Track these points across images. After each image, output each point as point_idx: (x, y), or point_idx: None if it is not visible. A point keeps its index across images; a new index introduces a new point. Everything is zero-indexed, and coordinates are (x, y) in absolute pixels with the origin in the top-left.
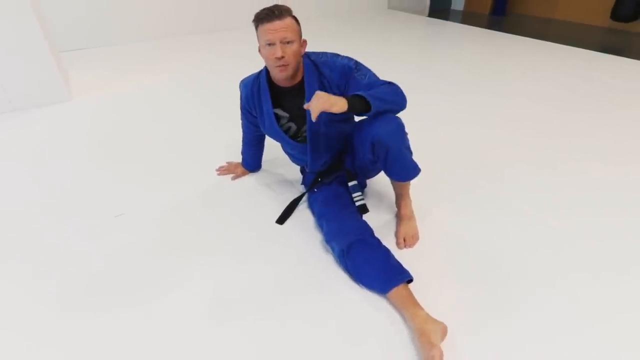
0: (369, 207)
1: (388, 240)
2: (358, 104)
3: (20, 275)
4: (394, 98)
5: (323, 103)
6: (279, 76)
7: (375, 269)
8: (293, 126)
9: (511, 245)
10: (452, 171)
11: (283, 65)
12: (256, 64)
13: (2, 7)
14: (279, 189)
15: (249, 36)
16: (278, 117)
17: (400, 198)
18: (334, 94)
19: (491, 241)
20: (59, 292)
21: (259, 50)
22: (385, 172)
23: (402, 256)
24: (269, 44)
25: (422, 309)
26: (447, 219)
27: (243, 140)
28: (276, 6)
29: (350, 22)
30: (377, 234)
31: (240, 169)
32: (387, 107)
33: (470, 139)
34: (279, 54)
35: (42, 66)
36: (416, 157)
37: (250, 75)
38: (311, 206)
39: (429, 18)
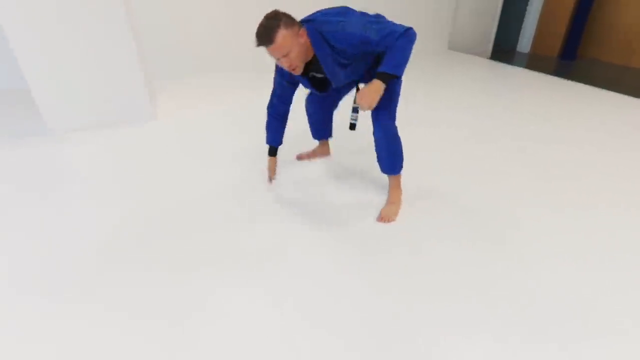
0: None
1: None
2: (389, 78)
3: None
4: (409, 52)
5: (372, 101)
6: (296, 73)
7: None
8: (325, 79)
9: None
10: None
11: (293, 69)
12: None
13: (107, 36)
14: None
15: None
16: (314, 77)
17: (390, 186)
18: (346, 58)
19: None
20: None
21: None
22: (379, 164)
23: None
24: (277, 60)
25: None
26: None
27: (268, 121)
28: (263, 28)
29: (410, 61)
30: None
31: (272, 165)
32: (407, 61)
33: (520, 188)
34: (286, 66)
35: (134, 89)
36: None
37: None
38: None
39: (490, 61)
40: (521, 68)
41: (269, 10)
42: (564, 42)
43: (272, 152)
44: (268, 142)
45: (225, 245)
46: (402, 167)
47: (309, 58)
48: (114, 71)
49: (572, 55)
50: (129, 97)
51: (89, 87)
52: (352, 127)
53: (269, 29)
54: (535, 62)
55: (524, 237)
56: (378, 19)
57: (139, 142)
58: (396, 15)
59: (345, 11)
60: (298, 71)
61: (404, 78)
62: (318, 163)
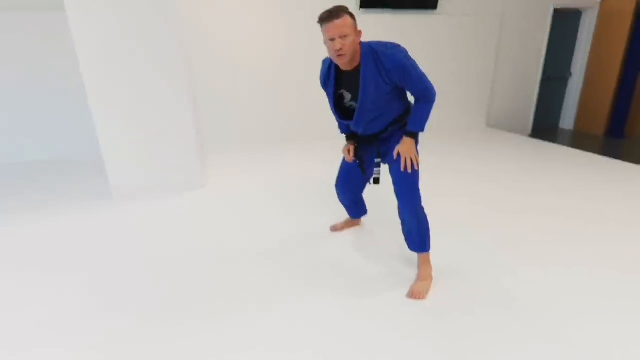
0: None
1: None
2: (416, 135)
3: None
4: (429, 111)
5: (411, 151)
6: (340, 63)
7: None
8: (354, 104)
9: None
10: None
11: (341, 55)
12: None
13: (171, 115)
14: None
15: None
16: (342, 96)
17: (420, 262)
18: (385, 80)
19: None
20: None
21: (325, 43)
22: (405, 240)
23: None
24: (331, 39)
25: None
26: None
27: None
28: (335, 7)
29: (447, 138)
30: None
31: (352, 152)
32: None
33: (561, 271)
34: (337, 47)
35: (191, 161)
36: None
37: (324, 66)
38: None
39: (530, 138)
40: (559, 145)
41: (310, 87)
42: (609, 120)
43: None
44: (343, 131)
45: (263, 311)
46: (430, 245)
47: (354, 64)
48: (174, 145)
49: (619, 134)
50: (184, 168)
51: (151, 158)
52: (377, 181)
53: (340, 9)
54: (580, 140)
55: (564, 323)
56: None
57: (187, 208)
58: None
59: (396, 46)
60: (343, 59)
61: (443, 152)
62: (350, 232)
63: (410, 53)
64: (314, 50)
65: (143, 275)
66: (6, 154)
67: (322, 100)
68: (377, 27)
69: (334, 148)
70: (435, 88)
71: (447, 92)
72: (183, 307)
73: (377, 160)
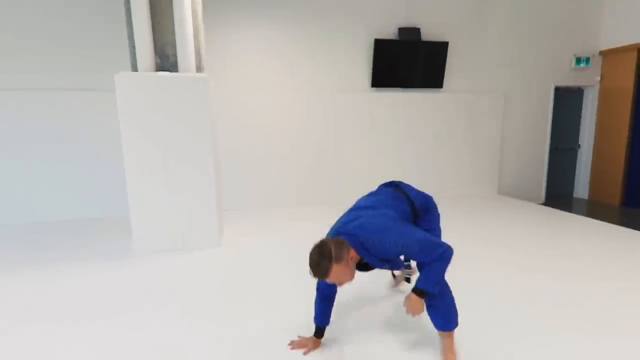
0: None
1: None
2: (427, 294)
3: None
4: (444, 271)
5: (414, 311)
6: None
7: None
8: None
9: None
10: None
11: (342, 285)
12: None
13: (195, 182)
14: None
15: None
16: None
17: (444, 348)
18: (381, 257)
19: None
20: None
21: None
22: (433, 322)
23: None
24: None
25: None
26: None
27: (316, 300)
28: (317, 269)
29: (458, 204)
30: None
31: (312, 343)
32: (442, 278)
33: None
34: (337, 284)
35: (210, 221)
36: None
37: None
38: None
39: (543, 206)
40: (573, 214)
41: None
42: (623, 189)
43: (318, 332)
44: (315, 322)
45: None
46: (457, 322)
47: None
48: (196, 210)
49: (636, 203)
50: (203, 229)
51: (173, 220)
52: (408, 280)
53: (323, 269)
54: (595, 209)
55: None
56: (418, 238)
57: (201, 266)
58: (441, 162)
59: (384, 228)
60: (345, 285)
61: (454, 218)
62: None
63: (419, 125)
64: (328, 121)
65: (154, 326)
66: (47, 212)
67: (335, 168)
68: (388, 102)
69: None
70: (447, 245)
71: (457, 160)
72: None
73: (405, 263)
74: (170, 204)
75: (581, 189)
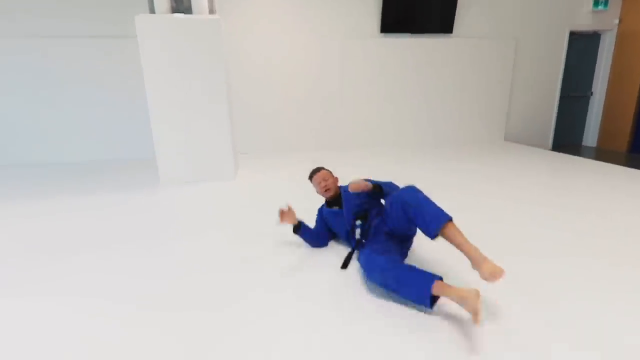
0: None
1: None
2: (377, 188)
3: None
4: (391, 184)
5: (358, 183)
6: (327, 196)
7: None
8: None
9: None
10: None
11: (326, 189)
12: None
13: (211, 121)
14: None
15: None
16: (334, 210)
17: (460, 247)
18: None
19: None
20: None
21: (316, 191)
22: (426, 231)
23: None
24: (318, 184)
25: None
26: None
27: (310, 229)
28: (316, 168)
29: (465, 151)
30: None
31: (291, 218)
32: (390, 188)
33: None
34: (322, 186)
35: (226, 156)
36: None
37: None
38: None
39: (547, 151)
40: (583, 158)
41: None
42: (632, 136)
43: (297, 226)
44: (298, 227)
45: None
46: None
47: (336, 195)
48: (213, 144)
49: None
50: (219, 163)
51: (193, 154)
52: (359, 242)
53: (319, 167)
54: (601, 156)
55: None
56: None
57: (220, 194)
58: (450, 106)
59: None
60: (329, 193)
61: (460, 163)
62: None
63: (428, 70)
64: (338, 67)
65: (178, 243)
66: (76, 154)
67: (345, 114)
68: (397, 48)
69: (357, 157)
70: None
71: (465, 106)
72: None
73: (358, 223)
74: (189, 138)
75: (590, 137)
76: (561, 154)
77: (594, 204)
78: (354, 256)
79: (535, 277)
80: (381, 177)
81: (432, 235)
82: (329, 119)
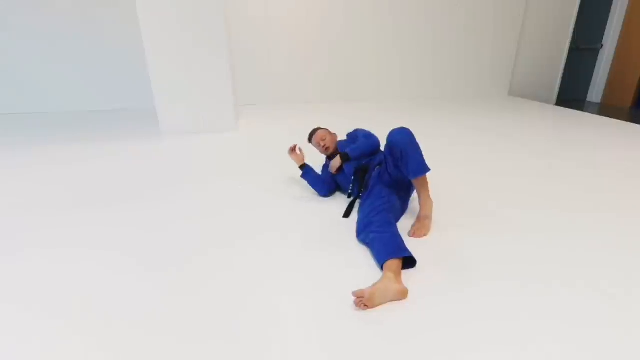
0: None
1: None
2: (345, 157)
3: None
4: (365, 144)
5: (336, 165)
6: (326, 153)
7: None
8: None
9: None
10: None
11: (326, 148)
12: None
13: (211, 70)
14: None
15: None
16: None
17: (421, 200)
18: (350, 145)
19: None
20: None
21: (317, 148)
22: (405, 173)
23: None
24: (317, 143)
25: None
26: None
27: (317, 174)
28: (315, 128)
29: (470, 105)
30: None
31: (299, 158)
32: (361, 151)
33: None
34: (322, 145)
35: (226, 107)
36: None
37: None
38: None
39: (553, 106)
40: (586, 113)
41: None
42: (637, 92)
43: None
44: (305, 171)
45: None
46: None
47: (336, 152)
48: (214, 95)
49: None
50: (221, 113)
51: (194, 104)
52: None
53: (316, 128)
54: (606, 111)
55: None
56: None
57: (223, 145)
58: (455, 61)
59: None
60: (329, 151)
61: (466, 117)
62: None
63: (435, 19)
64: (343, 15)
65: (180, 189)
66: (74, 103)
67: (350, 64)
68: None
69: (362, 109)
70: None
71: (468, 58)
72: (212, 214)
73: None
74: (188, 88)
75: (596, 92)
76: (567, 109)
77: (593, 159)
78: (357, 205)
79: (523, 225)
80: (382, 129)
81: (411, 177)
82: (334, 70)
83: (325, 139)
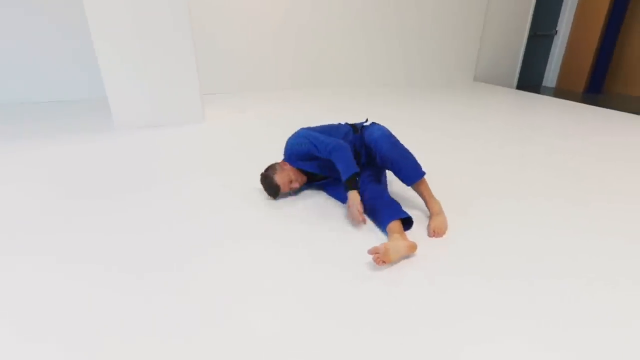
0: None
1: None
2: (354, 185)
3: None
4: (343, 157)
5: (356, 205)
6: (299, 187)
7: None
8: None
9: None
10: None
11: (294, 188)
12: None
13: (173, 53)
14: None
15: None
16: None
17: (425, 199)
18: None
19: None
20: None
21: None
22: (400, 179)
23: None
24: (289, 189)
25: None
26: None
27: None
28: (269, 184)
29: (435, 90)
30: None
31: (357, 199)
32: (348, 160)
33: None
34: (292, 186)
35: (192, 94)
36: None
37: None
38: None
39: (516, 90)
40: (548, 96)
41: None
42: (589, 76)
43: (355, 183)
44: (351, 170)
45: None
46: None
47: (305, 180)
48: (176, 82)
49: (598, 90)
50: (185, 103)
51: (153, 94)
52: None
53: (268, 176)
54: (562, 96)
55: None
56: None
57: (190, 138)
58: (423, 48)
59: (299, 134)
60: (299, 185)
61: (433, 103)
62: None
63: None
64: (315, 2)
65: (137, 193)
66: (16, 93)
67: (318, 51)
68: None
69: (327, 96)
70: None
71: (434, 47)
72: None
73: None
74: (147, 75)
75: (550, 77)
76: (528, 93)
77: (551, 140)
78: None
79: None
80: (350, 116)
81: (408, 184)
82: (300, 56)
83: (292, 180)
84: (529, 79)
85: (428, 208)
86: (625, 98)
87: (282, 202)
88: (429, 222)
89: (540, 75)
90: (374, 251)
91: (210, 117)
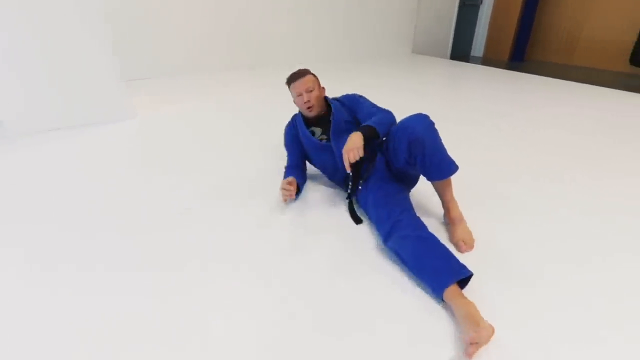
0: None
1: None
2: (369, 132)
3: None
4: (389, 120)
5: (352, 150)
6: (309, 114)
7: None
8: (324, 136)
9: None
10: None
11: (309, 106)
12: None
13: (84, 42)
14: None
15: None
16: (313, 133)
17: (447, 202)
18: (348, 113)
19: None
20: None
21: (294, 101)
22: (425, 174)
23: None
24: (299, 95)
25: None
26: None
27: (287, 166)
28: (299, 70)
29: (377, 64)
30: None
31: (294, 185)
32: (386, 128)
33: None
34: (305, 100)
35: (108, 87)
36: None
37: (289, 121)
38: (361, 204)
39: (451, 60)
40: (480, 65)
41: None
42: (513, 46)
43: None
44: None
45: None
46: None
47: (321, 112)
48: (89, 70)
49: (521, 58)
50: (104, 95)
51: (55, 85)
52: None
53: (303, 70)
54: (488, 64)
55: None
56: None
57: (113, 141)
58: (362, 22)
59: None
60: (312, 111)
61: (375, 75)
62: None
63: None
64: None
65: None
66: None
67: (258, 29)
68: None
69: (268, 75)
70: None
71: (374, 21)
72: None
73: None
74: (47, 63)
75: (477, 47)
76: (461, 63)
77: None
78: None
79: None
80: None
81: (434, 179)
82: (237, 35)
83: (311, 90)
84: (460, 50)
85: (447, 212)
86: (546, 65)
87: (254, 202)
88: (450, 231)
89: (469, 45)
90: (474, 340)
91: (139, 108)
